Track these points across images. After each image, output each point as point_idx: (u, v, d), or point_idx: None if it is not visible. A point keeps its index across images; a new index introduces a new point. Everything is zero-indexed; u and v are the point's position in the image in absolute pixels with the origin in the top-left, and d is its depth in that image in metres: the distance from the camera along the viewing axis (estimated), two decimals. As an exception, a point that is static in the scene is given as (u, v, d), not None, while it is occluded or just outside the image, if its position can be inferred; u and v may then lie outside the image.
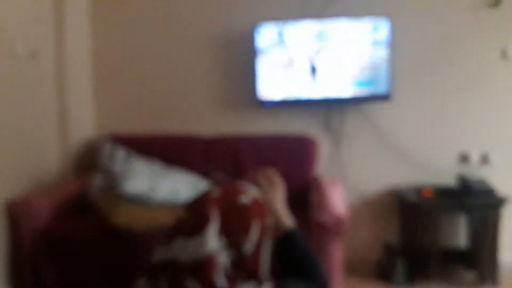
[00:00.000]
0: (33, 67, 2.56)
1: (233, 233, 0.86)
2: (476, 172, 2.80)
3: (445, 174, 2.83)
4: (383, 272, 2.75)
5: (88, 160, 2.96)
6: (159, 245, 0.90)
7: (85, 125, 3.02)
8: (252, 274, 0.88)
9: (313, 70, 2.74)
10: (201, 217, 0.87)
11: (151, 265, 0.89)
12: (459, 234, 2.87)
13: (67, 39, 2.76)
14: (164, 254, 0.88)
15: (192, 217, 0.89)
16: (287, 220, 1.10)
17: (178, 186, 2.30)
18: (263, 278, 0.89)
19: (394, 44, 2.72)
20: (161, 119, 3.06)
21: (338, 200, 2.28)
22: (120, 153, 2.69)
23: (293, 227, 1.09)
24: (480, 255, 2.58)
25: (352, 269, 2.77)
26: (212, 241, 0.85)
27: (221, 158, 2.74)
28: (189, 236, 0.86)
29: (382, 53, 2.69)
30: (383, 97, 2.73)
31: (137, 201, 2.23)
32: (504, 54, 2.77)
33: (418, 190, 2.71)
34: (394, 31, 2.71)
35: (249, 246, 0.88)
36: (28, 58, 2.50)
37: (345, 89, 2.74)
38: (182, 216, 0.90)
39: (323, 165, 2.88)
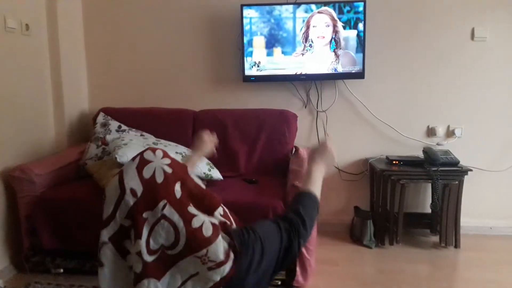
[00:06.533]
0: (27, 41, 2.60)
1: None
2: (442, 144, 2.98)
3: (413, 146, 3.00)
4: (354, 234, 2.93)
5: (82, 132, 3.05)
6: None
7: (78, 98, 3.09)
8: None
9: (294, 48, 2.86)
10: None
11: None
12: (425, 201, 3.05)
13: (58, 14, 2.80)
14: None
15: None
16: (313, 186, 1.24)
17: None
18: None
19: (367, 24, 2.83)
20: (151, 95, 3.14)
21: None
22: (113, 124, 2.79)
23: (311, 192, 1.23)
24: (443, 220, 2.73)
25: (326, 230, 2.94)
26: None
27: (208, 130, 2.82)
28: None
29: (356, 33, 2.81)
30: (358, 75, 2.86)
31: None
32: (473, 35, 2.90)
33: (388, 160, 2.87)
34: (367, 12, 2.81)
35: None
36: (22, 32, 2.54)
37: (323, 67, 2.87)
38: None
39: (302, 136, 3.05)
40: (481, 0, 2.88)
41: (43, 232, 2.28)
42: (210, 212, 0.98)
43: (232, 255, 0.96)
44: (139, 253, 0.90)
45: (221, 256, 0.94)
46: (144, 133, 2.75)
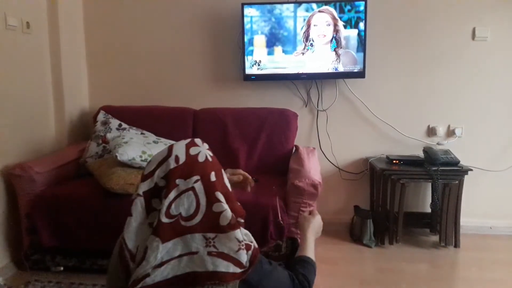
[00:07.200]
0: (27, 39, 2.60)
1: None
2: (442, 144, 2.98)
3: (414, 146, 3.00)
4: (354, 233, 2.93)
5: (82, 130, 3.06)
6: None
7: (79, 96, 3.09)
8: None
9: (295, 47, 2.86)
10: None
11: None
12: (425, 200, 3.05)
13: (59, 13, 2.80)
14: None
15: None
16: (311, 252, 1.36)
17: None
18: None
19: (368, 23, 2.83)
20: (152, 93, 3.14)
21: (315, 167, 2.43)
22: (113, 122, 2.79)
23: (311, 258, 1.35)
24: (443, 220, 2.73)
25: (326, 230, 2.88)
26: None
27: (209, 129, 2.83)
28: None
29: (357, 33, 2.81)
30: (358, 74, 2.86)
31: (129, 167, 2.30)
32: (474, 35, 2.90)
33: (388, 160, 2.87)
34: (368, 11, 2.81)
35: None
36: (22, 30, 2.54)
37: (323, 66, 2.87)
38: None
39: (303, 135, 3.06)
40: (482, 0, 2.88)
41: (43, 230, 2.28)
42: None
43: (235, 272, 1.00)
44: (160, 211, 0.99)
45: (225, 250, 1.00)
46: (144, 132, 2.75)
